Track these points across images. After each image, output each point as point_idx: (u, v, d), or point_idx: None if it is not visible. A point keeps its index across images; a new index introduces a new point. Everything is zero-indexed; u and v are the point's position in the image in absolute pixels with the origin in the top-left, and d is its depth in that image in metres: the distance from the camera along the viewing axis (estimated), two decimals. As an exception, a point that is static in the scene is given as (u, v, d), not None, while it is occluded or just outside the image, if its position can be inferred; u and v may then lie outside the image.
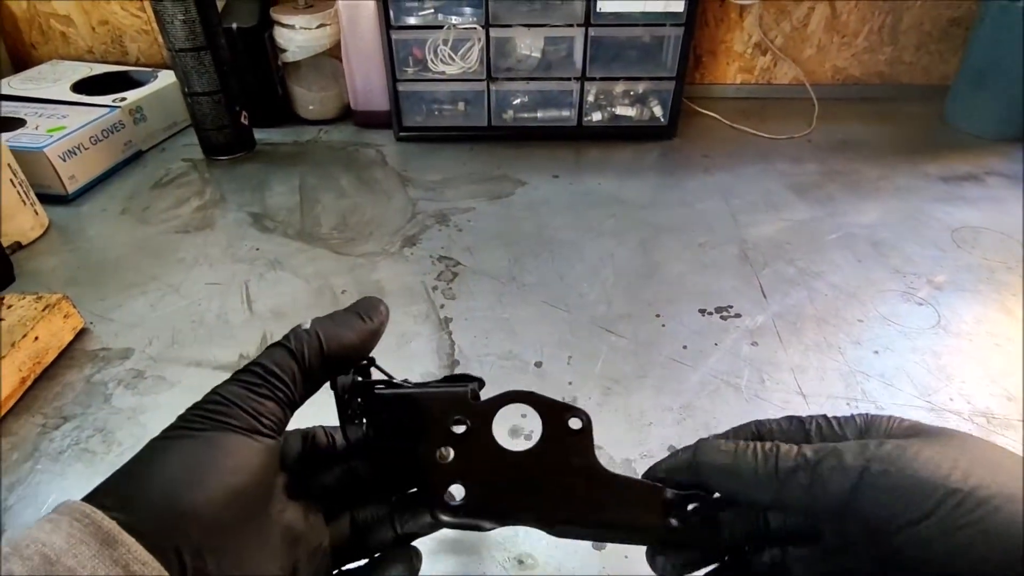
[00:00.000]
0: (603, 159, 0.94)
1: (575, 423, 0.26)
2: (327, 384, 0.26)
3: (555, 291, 0.65)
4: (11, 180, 0.70)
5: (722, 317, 0.62)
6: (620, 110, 0.96)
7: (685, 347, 0.58)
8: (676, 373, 0.55)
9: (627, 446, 0.48)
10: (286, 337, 0.25)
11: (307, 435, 0.28)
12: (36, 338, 0.55)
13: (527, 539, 0.42)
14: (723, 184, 0.86)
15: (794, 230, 0.76)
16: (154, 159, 0.94)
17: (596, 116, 0.96)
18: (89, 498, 0.20)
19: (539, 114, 0.96)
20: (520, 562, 0.41)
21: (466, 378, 0.27)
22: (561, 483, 0.26)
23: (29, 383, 0.54)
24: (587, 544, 0.42)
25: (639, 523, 0.25)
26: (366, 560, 0.29)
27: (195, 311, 0.63)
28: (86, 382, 0.55)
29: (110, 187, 0.86)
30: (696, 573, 0.26)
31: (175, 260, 0.72)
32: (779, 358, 0.57)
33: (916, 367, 0.56)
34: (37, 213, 0.74)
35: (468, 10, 0.88)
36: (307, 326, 0.25)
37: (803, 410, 0.51)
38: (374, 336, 0.26)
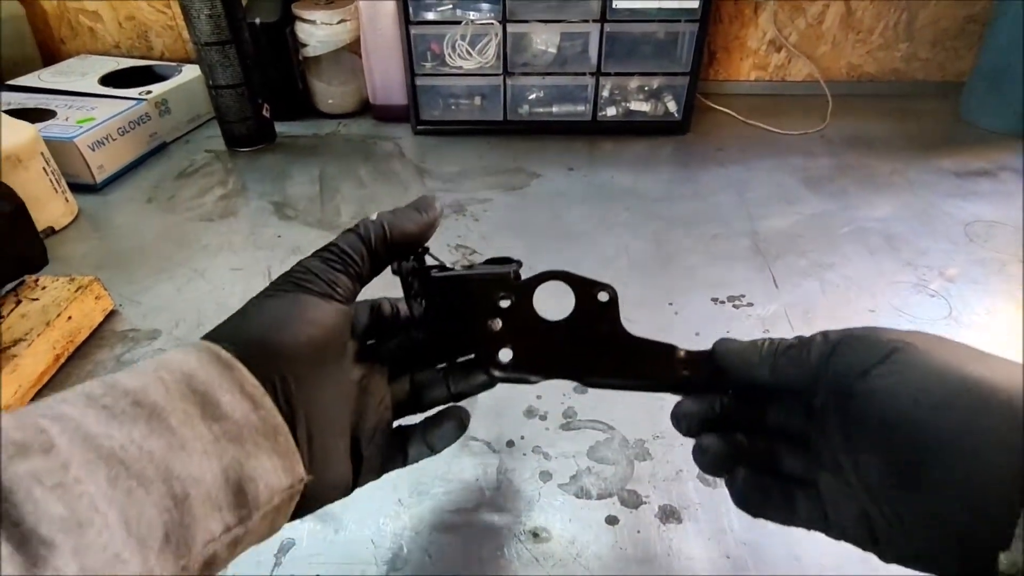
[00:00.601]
0: (617, 153, 0.95)
1: (603, 296, 0.30)
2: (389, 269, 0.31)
3: (570, 279, 0.66)
4: (44, 168, 0.72)
5: (734, 306, 0.63)
6: (634, 105, 0.97)
7: (697, 334, 0.59)
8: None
9: (641, 427, 0.50)
10: (356, 225, 0.30)
11: (374, 306, 0.33)
12: (69, 318, 0.57)
13: (542, 513, 0.43)
14: (736, 178, 0.87)
15: (807, 223, 0.77)
16: (178, 150, 0.96)
17: (611, 111, 0.97)
18: (206, 338, 0.26)
19: (554, 108, 0.98)
20: (535, 535, 0.42)
21: (506, 260, 0.31)
22: (593, 345, 0.30)
23: (63, 360, 0.56)
24: (600, 519, 0.43)
25: (658, 374, 0.31)
26: (422, 417, 0.34)
27: (219, 295, 0.65)
28: (116, 361, 0.57)
29: (136, 177, 0.89)
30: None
31: (200, 247, 0.74)
32: (790, 346, 0.58)
33: (927, 356, 0.57)
34: (68, 201, 0.77)
35: (486, 6, 0.89)
36: (374, 217, 0.30)
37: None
38: (430, 228, 0.31)
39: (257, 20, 0.95)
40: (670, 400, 0.51)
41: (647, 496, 0.44)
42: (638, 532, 0.42)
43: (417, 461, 0.34)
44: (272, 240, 0.74)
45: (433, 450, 0.34)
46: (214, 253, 0.72)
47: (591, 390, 0.53)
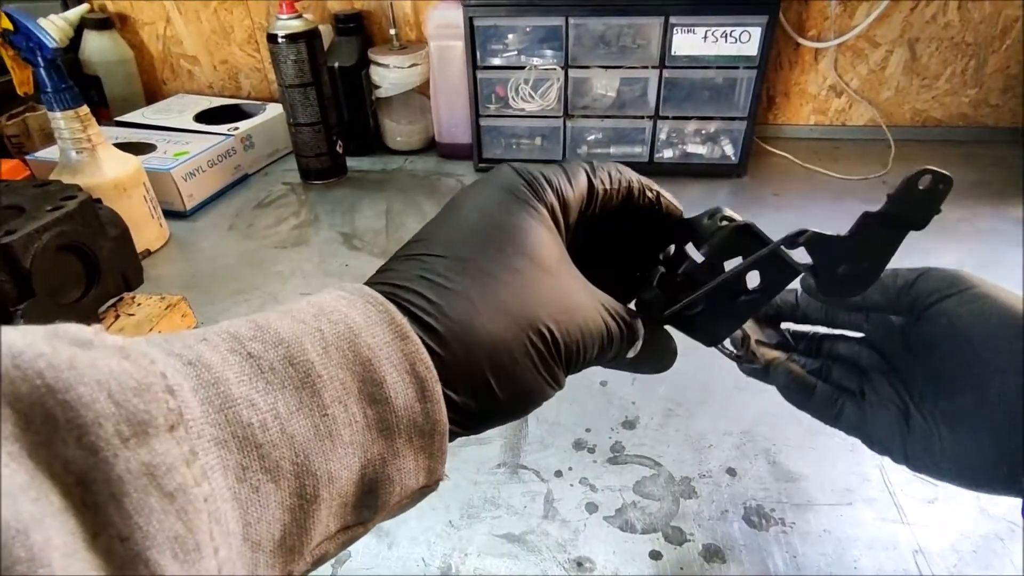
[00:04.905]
0: (674, 195, 0.96)
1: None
2: None
3: (621, 317, 0.68)
4: (144, 196, 0.80)
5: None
6: (691, 148, 0.99)
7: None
8: (738, 401, 0.57)
9: (687, 465, 0.50)
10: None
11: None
12: (159, 333, 0.63)
13: (587, 544, 0.45)
14: (793, 222, 0.86)
15: (865, 269, 0.76)
16: (258, 182, 1.04)
17: (668, 153, 0.99)
18: (381, 284, 0.21)
19: (612, 150, 1.01)
20: (579, 564, 0.43)
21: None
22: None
23: (151, 372, 0.62)
24: (644, 553, 0.44)
25: None
26: None
27: (291, 318, 0.69)
28: (198, 374, 0.62)
29: (220, 205, 0.96)
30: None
31: (274, 272, 0.79)
32: (844, 393, 0.58)
33: (990, 411, 0.55)
34: (162, 226, 0.84)
35: (549, 52, 0.94)
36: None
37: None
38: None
39: (336, 64, 1.02)
40: (717, 441, 0.52)
41: (691, 534, 0.45)
42: (681, 569, 0.43)
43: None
44: (340, 269, 0.79)
45: (637, 370, 0.29)
46: (286, 279, 0.78)
47: (640, 427, 0.54)
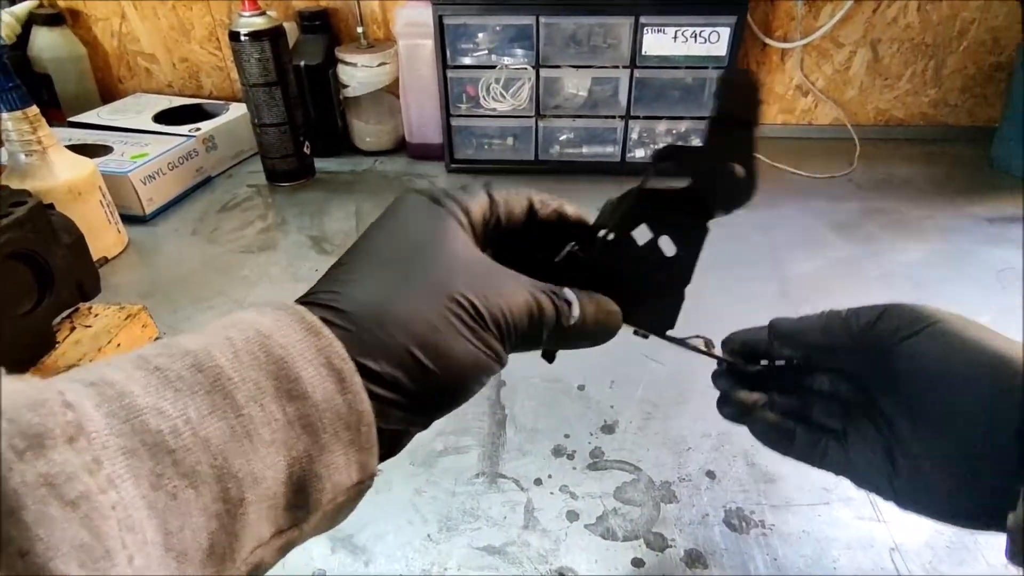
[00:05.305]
0: (645, 194, 0.96)
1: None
2: None
3: (597, 319, 0.67)
4: (100, 201, 0.77)
5: (761, 349, 0.63)
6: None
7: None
8: (715, 401, 0.57)
9: (666, 469, 0.50)
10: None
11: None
12: (118, 345, 0.60)
13: (568, 553, 0.44)
14: (762, 221, 0.88)
15: (834, 267, 0.77)
16: (222, 184, 1.01)
17: (639, 152, 1.00)
18: (308, 295, 0.22)
19: (584, 149, 1.00)
20: (561, 575, 0.43)
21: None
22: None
23: (111, 386, 0.59)
24: (626, 561, 0.43)
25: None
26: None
27: (259, 326, 0.67)
28: (160, 387, 0.60)
29: (182, 209, 0.93)
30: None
31: (239, 277, 0.77)
32: (818, 391, 0.58)
33: (958, 406, 0.57)
34: (119, 232, 0.81)
35: (520, 52, 0.93)
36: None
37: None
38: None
39: (302, 63, 1.00)
40: (695, 444, 0.52)
41: (673, 539, 0.45)
42: (664, 576, 0.42)
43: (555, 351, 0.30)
44: (309, 273, 0.77)
45: (588, 340, 0.28)
46: (253, 284, 0.75)
47: (619, 431, 0.54)
